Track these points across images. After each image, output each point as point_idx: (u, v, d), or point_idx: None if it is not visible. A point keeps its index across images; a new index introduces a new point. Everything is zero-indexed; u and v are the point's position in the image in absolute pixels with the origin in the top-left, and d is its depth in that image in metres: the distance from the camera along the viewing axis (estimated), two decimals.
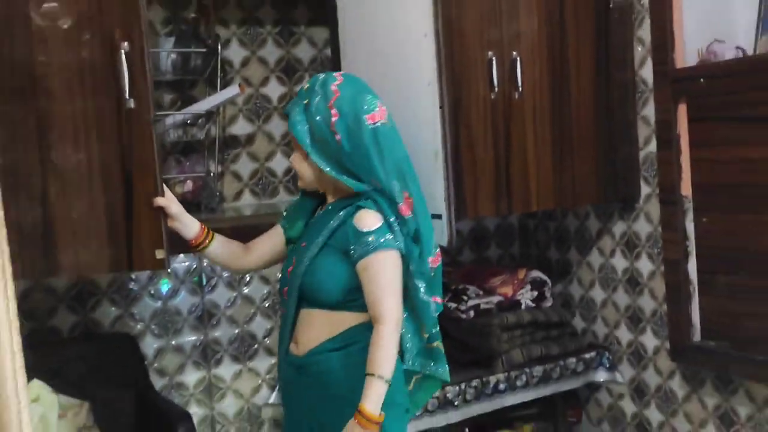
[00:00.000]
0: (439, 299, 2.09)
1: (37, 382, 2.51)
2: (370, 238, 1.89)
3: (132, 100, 2.18)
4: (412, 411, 2.18)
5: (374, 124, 1.95)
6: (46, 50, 2.14)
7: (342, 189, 2.01)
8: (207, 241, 2.19)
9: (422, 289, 1.98)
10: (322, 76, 2.05)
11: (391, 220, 1.93)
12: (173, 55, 3.05)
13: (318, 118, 1.96)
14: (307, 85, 2.05)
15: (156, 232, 2.22)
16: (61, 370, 2.72)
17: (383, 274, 1.90)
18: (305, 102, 2.00)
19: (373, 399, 1.83)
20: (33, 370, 2.56)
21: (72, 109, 2.16)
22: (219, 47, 3.16)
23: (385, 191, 1.95)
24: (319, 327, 2.00)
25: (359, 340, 1.95)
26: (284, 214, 2.25)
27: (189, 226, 2.18)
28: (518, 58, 2.94)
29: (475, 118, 2.88)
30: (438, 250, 2.07)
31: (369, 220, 1.91)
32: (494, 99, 2.91)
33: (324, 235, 1.97)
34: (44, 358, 2.70)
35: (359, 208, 1.94)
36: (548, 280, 3.49)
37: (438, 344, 2.12)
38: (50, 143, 2.15)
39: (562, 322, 3.45)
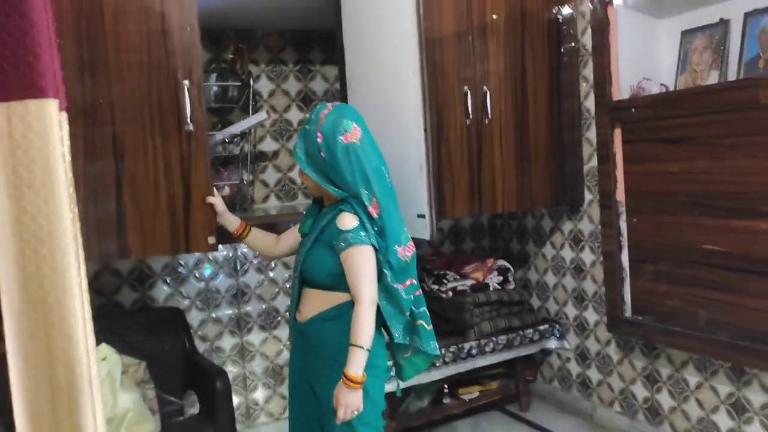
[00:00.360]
0: (413, 281, 2.06)
1: (104, 346, 2.52)
2: (348, 236, 1.93)
3: (191, 124, 2.25)
4: (410, 375, 2.19)
5: (346, 142, 1.97)
6: (123, 85, 2.21)
7: (332, 196, 2.04)
8: (245, 233, 2.30)
9: (389, 276, 1.98)
10: (319, 106, 2.08)
11: (365, 220, 1.95)
12: (215, 88, 3.06)
13: (311, 139, 2.00)
14: (308, 115, 2.11)
15: (208, 223, 2.33)
16: (124, 336, 2.72)
17: (358, 264, 1.93)
18: (307, 127, 2.04)
19: (355, 364, 1.88)
20: (101, 336, 2.59)
21: (143, 132, 2.25)
22: (251, 81, 3.18)
23: (357, 197, 1.98)
24: (316, 302, 2.04)
25: (345, 313, 1.97)
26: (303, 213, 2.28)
27: (231, 221, 2.31)
28: (488, 92, 2.95)
29: (453, 139, 2.89)
30: (410, 242, 2.05)
31: (347, 220, 1.95)
32: (469, 124, 2.92)
33: (316, 231, 2.03)
34: (110, 326, 2.71)
35: (341, 211, 1.97)
36: (511, 268, 3.50)
37: (421, 323, 2.09)
38: (124, 156, 2.23)
39: (521, 300, 3.47)
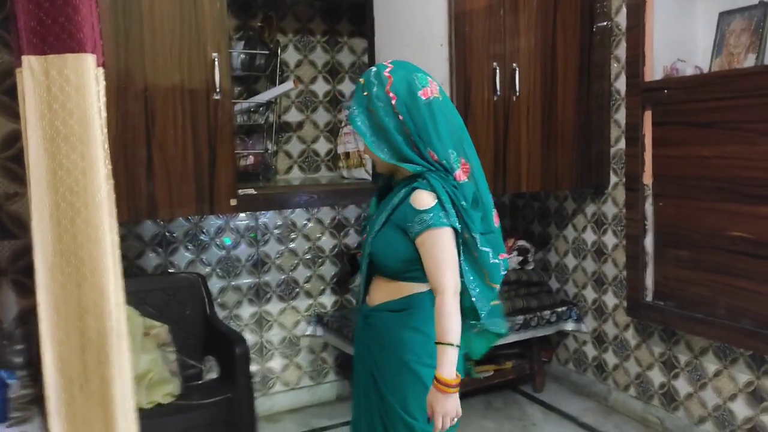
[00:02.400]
0: (505, 255, 1.84)
1: (128, 307, 2.55)
2: (425, 216, 1.68)
3: (219, 93, 2.29)
4: (472, 356, 1.93)
5: (428, 98, 1.75)
6: (154, 53, 2.27)
7: (404, 171, 1.79)
8: None
9: (490, 254, 1.75)
10: (374, 68, 1.83)
11: (443, 199, 1.70)
12: (242, 56, 3.06)
13: (380, 104, 1.75)
14: (363, 80, 1.82)
15: (231, 186, 2.43)
16: (146, 299, 2.77)
17: (438, 248, 1.68)
18: (365, 94, 1.79)
19: (447, 364, 1.62)
20: (125, 297, 2.63)
21: (173, 99, 2.32)
22: (279, 50, 3.16)
23: (441, 164, 1.74)
24: (384, 290, 1.83)
25: (414, 306, 1.79)
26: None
27: None
28: (517, 68, 2.92)
29: (479, 115, 2.87)
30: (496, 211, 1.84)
31: (424, 199, 1.70)
32: (496, 100, 2.90)
33: (387, 211, 1.79)
34: (133, 289, 2.72)
35: (415, 189, 1.73)
36: (531, 248, 3.49)
37: (498, 301, 1.88)
38: (154, 121, 2.29)
39: (540, 281, 3.46)
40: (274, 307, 3.36)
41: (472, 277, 1.76)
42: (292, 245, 3.39)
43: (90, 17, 1.26)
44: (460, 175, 1.75)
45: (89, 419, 1.34)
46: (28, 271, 1.38)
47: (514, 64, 2.92)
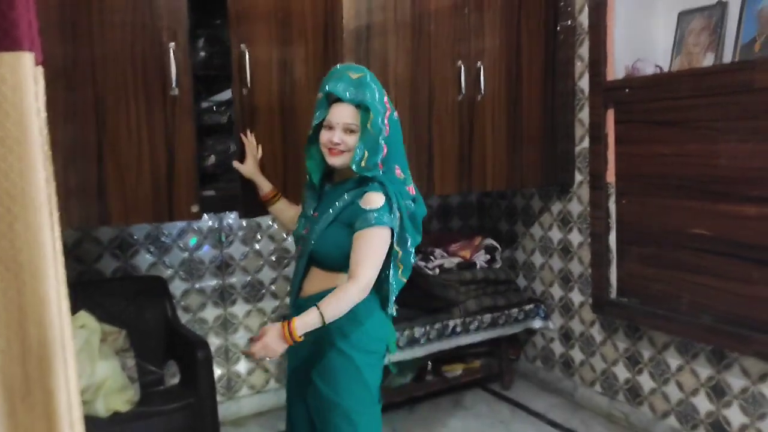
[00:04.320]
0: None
1: (83, 313, 2.48)
2: (371, 215, 1.75)
3: (176, 88, 2.20)
4: (392, 351, 2.01)
5: (395, 116, 1.86)
6: (105, 46, 2.15)
7: (347, 173, 1.87)
8: (275, 199, 2.21)
9: (412, 254, 1.88)
10: (363, 69, 1.85)
11: (392, 201, 1.78)
12: (202, 54, 2.98)
13: (381, 108, 1.80)
14: (357, 75, 1.83)
15: (192, 191, 2.32)
16: (104, 304, 2.68)
17: (372, 245, 1.75)
18: (367, 93, 1.81)
19: (305, 324, 1.70)
20: (81, 303, 2.55)
21: (125, 95, 2.19)
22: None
23: (396, 174, 1.85)
24: (320, 281, 1.89)
25: None
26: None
27: (262, 184, 2.25)
28: (482, 68, 2.92)
29: (444, 114, 2.85)
30: None
31: (374, 200, 1.76)
32: (461, 100, 2.89)
33: (334, 212, 1.84)
34: (91, 293, 2.67)
35: (366, 192, 1.79)
36: (498, 247, 3.49)
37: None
38: (105, 120, 2.17)
39: (508, 279, 3.46)
40: (239, 309, 3.30)
41: (390, 272, 1.84)
42: (257, 246, 3.33)
43: (27, 13, 1.20)
44: (412, 189, 1.88)
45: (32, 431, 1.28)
46: None
47: (479, 63, 2.91)
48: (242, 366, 3.33)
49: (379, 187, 1.79)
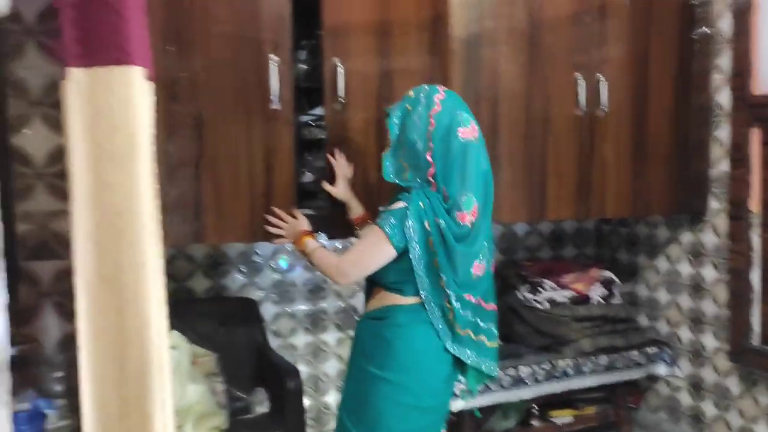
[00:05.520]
0: (470, 297, 2.01)
1: (175, 333, 2.58)
2: (381, 216, 1.95)
3: (278, 102, 2.28)
4: (465, 396, 2.21)
5: (465, 139, 1.93)
6: (206, 58, 2.25)
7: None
8: (365, 224, 2.30)
9: (446, 281, 1.94)
10: (426, 87, 2.02)
11: (411, 212, 1.89)
12: (304, 66, 3.06)
13: (417, 123, 1.94)
14: (412, 93, 2.03)
15: (288, 210, 2.33)
16: (194, 325, 2.78)
17: (366, 240, 1.96)
18: (407, 107, 1.99)
19: (307, 244, 2.08)
20: (172, 323, 2.65)
21: (224, 109, 2.29)
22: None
23: (446, 196, 1.94)
24: (374, 299, 2.07)
25: (389, 316, 1.99)
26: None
27: (354, 207, 2.35)
28: (603, 80, 2.83)
29: (561, 131, 2.80)
30: (481, 261, 2.00)
31: (393, 204, 1.95)
32: (579, 116, 2.82)
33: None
34: (181, 313, 2.76)
35: (398, 199, 1.96)
36: (617, 280, 3.35)
37: (482, 338, 2.05)
38: (204, 135, 2.26)
39: (628, 318, 3.31)
40: (331, 336, 3.34)
41: (429, 293, 1.97)
42: None
43: (139, 28, 1.28)
44: (465, 216, 1.92)
45: None
46: (72, 293, 1.39)
47: (600, 75, 2.83)
48: (332, 397, 3.35)
49: (407, 197, 1.93)
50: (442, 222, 1.91)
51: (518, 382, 2.99)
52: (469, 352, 2.03)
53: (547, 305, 3.21)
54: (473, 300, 2.02)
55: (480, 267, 2.00)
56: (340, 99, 2.43)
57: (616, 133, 2.90)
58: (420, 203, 1.91)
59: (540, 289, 3.27)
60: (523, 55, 2.71)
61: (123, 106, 1.27)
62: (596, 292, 3.28)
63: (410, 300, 1.99)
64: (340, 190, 2.35)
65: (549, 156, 2.78)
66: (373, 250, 1.93)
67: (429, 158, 1.92)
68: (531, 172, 2.76)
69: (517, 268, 3.42)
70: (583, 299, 3.24)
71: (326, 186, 2.36)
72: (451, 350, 2.00)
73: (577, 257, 3.89)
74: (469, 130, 1.94)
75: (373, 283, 2.08)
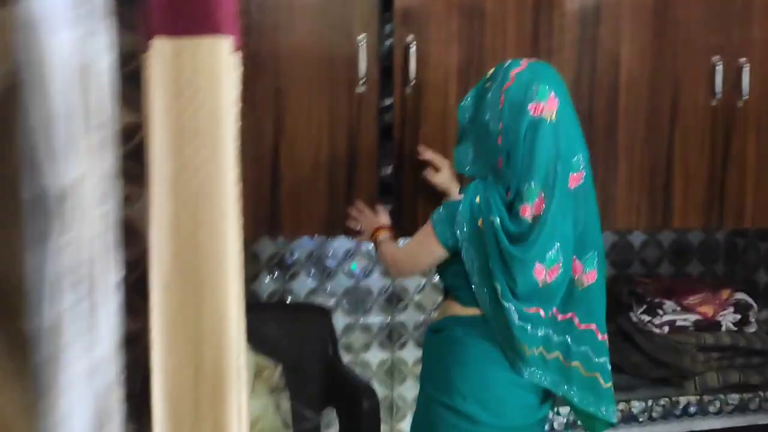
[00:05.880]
0: (540, 310, 1.93)
1: None
2: (439, 208, 2.04)
3: (364, 85, 2.35)
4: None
5: (536, 116, 1.87)
6: (291, 35, 2.35)
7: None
8: None
9: (500, 291, 1.89)
10: (509, 61, 2.02)
11: (462, 209, 1.94)
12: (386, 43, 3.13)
13: (491, 102, 1.95)
14: (491, 71, 2.04)
15: (371, 201, 2.43)
16: (258, 331, 2.86)
17: (417, 236, 2.08)
18: (486, 85, 2.00)
19: (381, 241, 2.21)
20: None
21: (308, 89, 2.38)
22: None
23: (507, 185, 1.94)
24: (443, 308, 2.18)
25: (447, 329, 2.04)
26: None
27: (454, 193, 2.28)
28: (746, 64, 2.80)
29: (691, 124, 2.80)
30: (558, 263, 1.91)
31: (453, 197, 2.10)
32: (715, 106, 2.80)
33: None
34: (246, 318, 2.86)
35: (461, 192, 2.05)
36: (754, 304, 3.28)
37: (596, 375, 2.00)
38: (285, 118, 2.37)
39: (765, 350, 3.23)
40: (409, 354, 3.36)
41: (491, 307, 1.96)
42: (435, 278, 3.39)
43: None
44: (527, 209, 1.88)
45: None
46: (139, 287, 1.46)
47: (743, 58, 2.79)
48: (408, 424, 3.38)
49: (467, 188, 1.99)
50: (496, 220, 1.88)
51: (629, 419, 2.98)
52: (576, 390, 1.99)
53: (667, 330, 3.16)
54: (543, 314, 1.94)
55: (544, 271, 1.91)
56: (409, 83, 2.47)
57: (758, 126, 2.86)
58: (477, 198, 1.92)
59: (659, 311, 3.22)
60: (648, 33, 2.70)
61: (210, 81, 1.33)
62: (727, 318, 3.22)
63: (469, 311, 2.00)
64: (446, 177, 2.34)
65: (676, 153, 2.78)
66: (420, 249, 2.03)
67: (499, 142, 1.92)
68: (653, 173, 2.76)
69: (631, 284, 3.38)
70: (710, 325, 3.18)
71: (429, 175, 2.37)
72: (527, 375, 1.96)
73: (703, 275, 3.80)
74: (543, 105, 1.87)
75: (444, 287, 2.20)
